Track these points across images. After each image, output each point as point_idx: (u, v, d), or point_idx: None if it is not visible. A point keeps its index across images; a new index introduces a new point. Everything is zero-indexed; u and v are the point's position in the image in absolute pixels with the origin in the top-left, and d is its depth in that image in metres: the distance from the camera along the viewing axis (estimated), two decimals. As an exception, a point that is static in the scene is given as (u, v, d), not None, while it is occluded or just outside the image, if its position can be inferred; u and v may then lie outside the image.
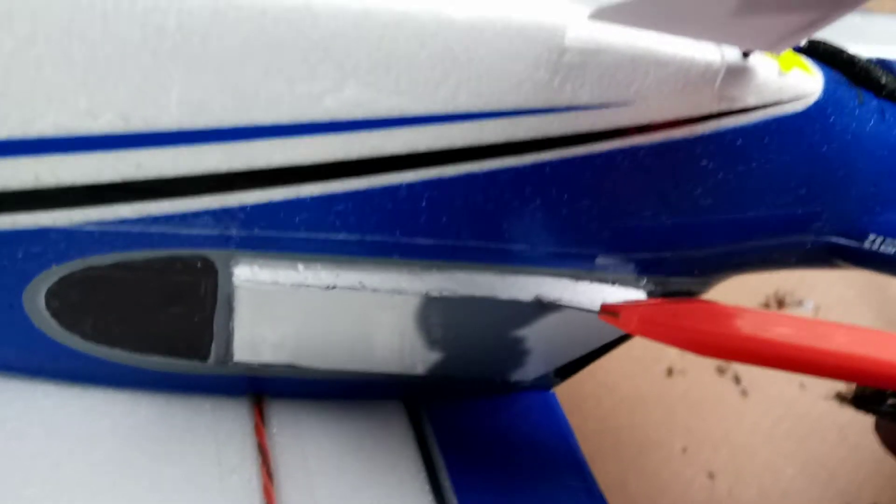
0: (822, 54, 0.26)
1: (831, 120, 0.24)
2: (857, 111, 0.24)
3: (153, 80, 0.17)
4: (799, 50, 0.26)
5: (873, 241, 0.26)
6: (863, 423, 0.48)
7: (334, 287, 0.21)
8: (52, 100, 0.17)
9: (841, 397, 0.42)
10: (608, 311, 0.22)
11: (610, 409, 0.46)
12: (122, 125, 0.18)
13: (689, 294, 0.27)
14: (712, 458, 0.46)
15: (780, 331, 0.21)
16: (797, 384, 0.49)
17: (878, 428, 0.25)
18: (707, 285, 0.27)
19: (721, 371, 0.50)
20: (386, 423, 0.27)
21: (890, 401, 0.22)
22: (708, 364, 0.50)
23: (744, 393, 0.49)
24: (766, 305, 0.54)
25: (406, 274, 0.22)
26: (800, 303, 0.54)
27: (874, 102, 0.25)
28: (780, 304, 0.54)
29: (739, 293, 0.51)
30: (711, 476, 0.45)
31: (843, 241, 0.26)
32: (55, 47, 0.17)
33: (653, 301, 0.24)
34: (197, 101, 0.18)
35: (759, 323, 0.21)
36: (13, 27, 0.16)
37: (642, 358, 0.50)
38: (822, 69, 0.24)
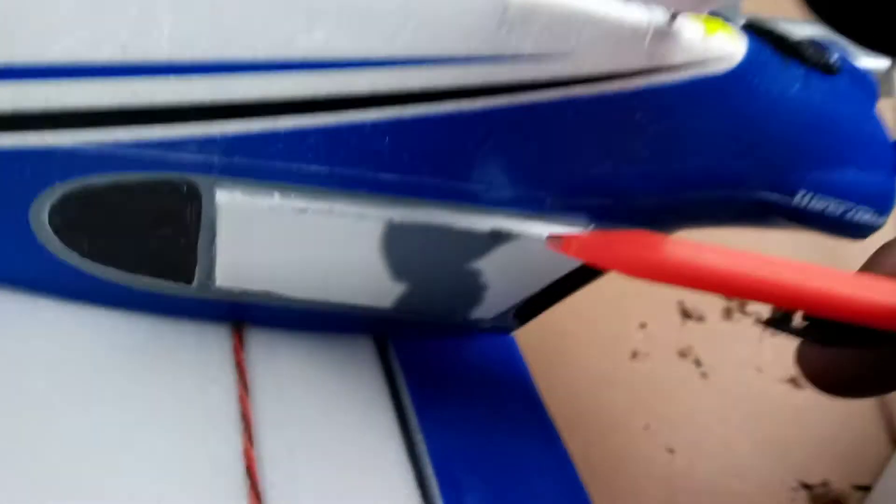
0: (756, 30, 0.29)
1: (755, 81, 0.27)
2: (781, 76, 0.27)
3: (147, 16, 0.20)
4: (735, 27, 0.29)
5: (803, 196, 0.29)
6: (816, 405, 0.50)
7: (306, 210, 0.24)
8: (62, 30, 0.20)
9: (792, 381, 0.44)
10: (553, 238, 0.25)
11: (576, 390, 0.48)
12: (121, 56, 0.21)
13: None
14: (673, 436, 0.47)
15: (706, 257, 0.22)
16: (754, 368, 0.52)
17: (800, 359, 0.27)
18: (651, 237, 0.30)
19: (683, 355, 0.52)
20: (356, 355, 0.29)
21: (796, 321, 0.24)
22: (670, 348, 0.52)
23: (703, 375, 0.51)
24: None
25: (372, 203, 0.25)
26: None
27: (800, 71, 0.28)
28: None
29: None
30: (671, 451, 0.47)
31: (774, 196, 0.29)
32: (66, -18, 0.19)
33: (596, 231, 0.26)
34: (185, 37, 0.21)
35: (690, 250, 0.22)
36: (31, -38, 0.19)
37: (609, 343, 0.52)
38: (751, 38, 0.27)
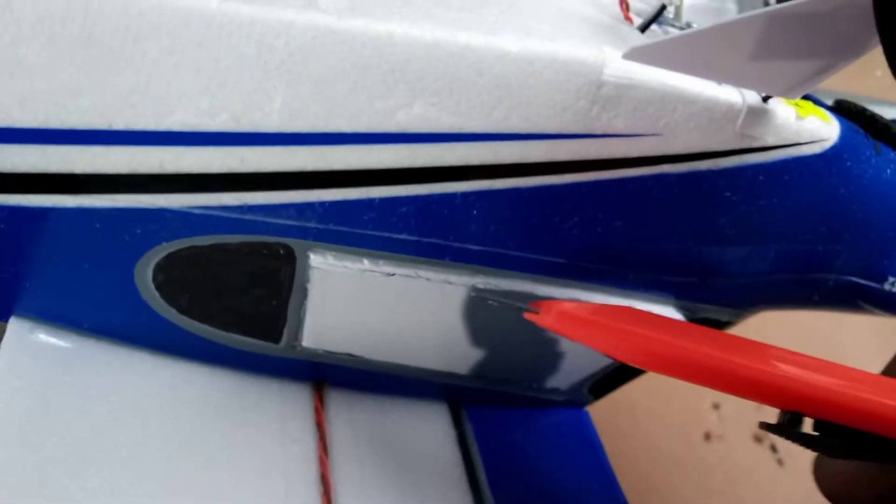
0: (847, 111, 0.29)
1: (848, 164, 0.26)
2: (874, 160, 0.27)
3: (261, 89, 0.22)
4: (826, 108, 0.29)
5: (893, 283, 0.28)
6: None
7: (393, 275, 0.25)
8: (181, 100, 0.21)
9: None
10: (533, 307, 0.23)
11: (646, 470, 0.47)
12: (234, 125, 0.22)
13: (718, 324, 0.30)
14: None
15: (695, 343, 0.20)
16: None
17: (816, 472, 0.24)
18: (736, 316, 0.30)
19: (758, 439, 0.51)
20: (431, 421, 0.30)
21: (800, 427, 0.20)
22: (745, 432, 0.51)
23: (780, 462, 0.50)
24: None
25: (457, 271, 0.25)
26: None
27: (892, 155, 0.28)
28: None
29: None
30: None
31: (863, 281, 0.28)
32: (189, 57, 0.21)
33: (576, 302, 0.24)
34: (294, 109, 0.22)
35: (678, 332, 0.20)
36: (159, 38, 0.21)
37: (681, 422, 0.51)
38: (843, 121, 0.27)
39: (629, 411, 0.50)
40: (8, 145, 0.22)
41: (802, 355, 0.20)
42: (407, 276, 0.25)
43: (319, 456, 0.26)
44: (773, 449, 0.50)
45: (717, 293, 0.28)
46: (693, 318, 0.29)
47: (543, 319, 0.22)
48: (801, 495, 0.48)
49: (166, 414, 0.25)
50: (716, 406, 0.51)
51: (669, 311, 0.28)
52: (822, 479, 0.23)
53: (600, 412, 0.48)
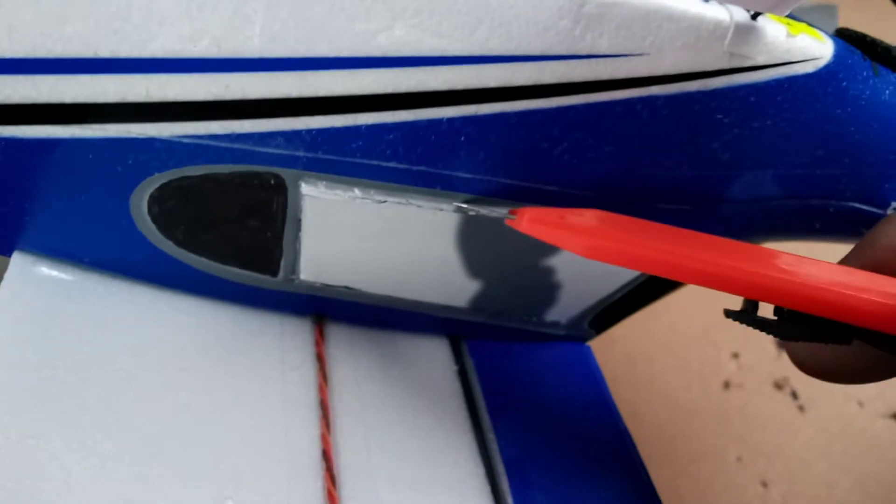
0: (846, 36, 0.28)
1: (843, 84, 0.26)
2: (871, 80, 0.26)
3: (241, 12, 0.22)
4: (823, 32, 0.28)
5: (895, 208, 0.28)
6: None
7: (385, 202, 0.25)
8: (162, 25, 0.22)
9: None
10: (511, 213, 0.24)
11: (666, 419, 0.47)
12: (216, 51, 0.22)
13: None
14: (767, 469, 0.46)
15: (656, 240, 0.20)
16: (855, 402, 0.49)
17: (786, 346, 0.24)
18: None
19: (779, 386, 0.50)
20: (431, 354, 0.30)
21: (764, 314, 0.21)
22: (765, 379, 0.51)
23: (801, 408, 0.49)
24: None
25: (447, 198, 0.25)
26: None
27: (893, 77, 0.27)
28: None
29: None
30: (765, 485, 0.45)
31: (864, 207, 0.28)
32: (168, -19, 0.21)
33: (547, 209, 0.24)
34: (274, 33, 0.22)
35: (644, 231, 0.21)
36: (138, -37, 0.21)
37: (700, 371, 0.51)
38: (838, 42, 0.27)
39: (647, 363, 0.50)
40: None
41: (760, 248, 0.20)
42: (398, 202, 0.25)
43: (319, 383, 0.26)
44: (794, 395, 0.50)
45: (711, 222, 0.28)
46: None
47: (519, 224, 0.23)
48: (822, 441, 0.48)
49: (166, 342, 0.26)
50: (735, 355, 0.51)
51: None
52: (790, 347, 0.23)
53: (618, 365, 0.49)
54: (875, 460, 0.47)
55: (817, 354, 0.22)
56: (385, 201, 0.25)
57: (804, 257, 0.19)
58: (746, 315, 0.20)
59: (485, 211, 0.25)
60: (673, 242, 0.20)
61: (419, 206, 0.25)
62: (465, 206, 0.25)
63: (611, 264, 0.21)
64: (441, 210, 0.25)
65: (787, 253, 0.20)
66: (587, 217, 0.21)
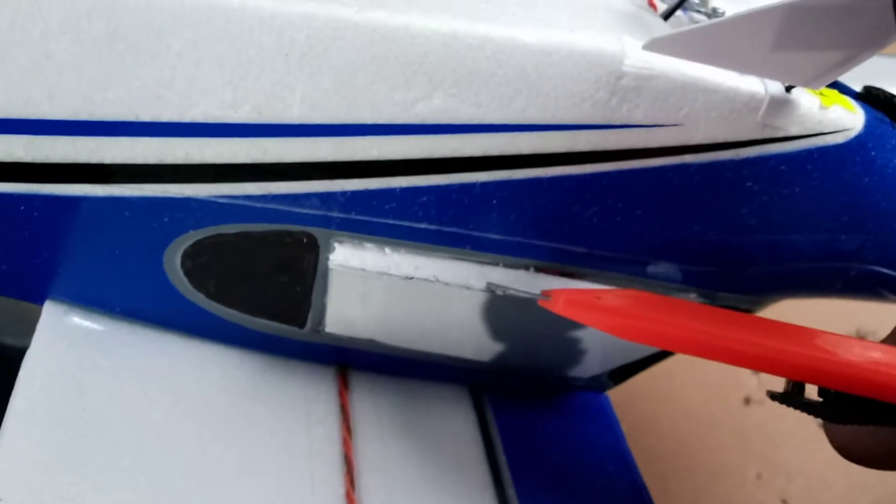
0: (874, 99, 0.28)
1: (872, 154, 0.26)
2: None
3: (283, 82, 0.22)
4: (854, 95, 0.28)
5: None
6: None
7: (412, 278, 0.25)
8: (204, 92, 0.22)
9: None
10: (545, 294, 0.24)
11: (685, 433, 0.47)
12: (257, 117, 0.22)
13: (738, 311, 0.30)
14: (787, 487, 0.45)
15: (693, 321, 0.21)
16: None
17: (826, 427, 0.24)
18: (757, 304, 0.29)
19: None
20: (453, 405, 0.30)
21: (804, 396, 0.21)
22: None
23: (821, 426, 0.50)
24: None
25: (475, 270, 0.26)
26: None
27: None
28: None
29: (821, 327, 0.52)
30: (785, 502, 0.45)
31: (885, 270, 0.28)
32: (212, 50, 0.21)
33: (585, 288, 0.24)
34: (315, 101, 0.22)
35: (679, 311, 0.21)
36: (182, 33, 0.21)
37: (720, 386, 0.50)
38: (868, 110, 0.27)
39: (667, 377, 0.49)
40: (40, 137, 0.22)
41: (801, 328, 0.20)
42: (425, 279, 0.25)
43: (343, 437, 0.27)
44: (814, 413, 0.50)
45: (737, 282, 0.28)
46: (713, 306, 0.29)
47: (554, 305, 0.22)
48: (842, 460, 0.48)
49: (195, 395, 0.26)
50: (756, 371, 0.51)
51: (689, 299, 0.28)
52: (831, 432, 0.24)
53: (638, 379, 0.48)
54: (895, 480, 0.47)
55: (861, 440, 0.22)
56: (412, 278, 0.25)
57: (846, 336, 0.20)
58: (792, 397, 0.21)
59: (515, 291, 0.25)
60: (714, 324, 0.20)
61: (446, 285, 0.25)
62: (495, 284, 0.25)
63: (650, 346, 0.21)
64: (468, 289, 0.25)
65: (828, 332, 0.20)
66: (623, 299, 0.21)
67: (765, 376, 0.51)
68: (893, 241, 0.28)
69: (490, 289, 0.25)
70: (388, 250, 0.25)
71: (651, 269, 0.27)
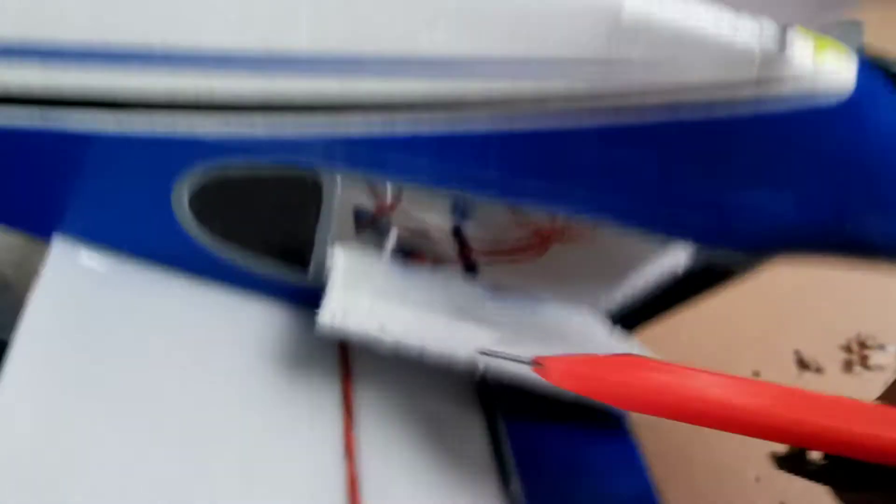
0: (872, 60, 0.29)
1: (865, 113, 0.26)
2: (892, 106, 0.27)
3: (289, 8, 0.22)
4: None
5: None
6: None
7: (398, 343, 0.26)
8: (213, 18, 0.23)
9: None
10: (537, 362, 0.23)
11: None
12: (263, 46, 0.23)
13: (731, 272, 0.30)
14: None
15: (697, 385, 0.21)
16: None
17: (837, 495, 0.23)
18: (749, 263, 0.30)
19: None
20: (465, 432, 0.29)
21: (812, 461, 0.21)
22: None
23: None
24: (848, 348, 0.54)
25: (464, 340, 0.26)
26: (882, 347, 0.54)
27: None
28: (862, 346, 0.54)
29: (821, 336, 0.52)
30: None
31: (875, 230, 0.28)
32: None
33: (578, 356, 0.23)
34: (320, 29, 0.23)
35: (680, 378, 0.21)
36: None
37: (731, 463, 0.50)
38: (864, 69, 0.27)
39: (686, 464, 0.49)
40: (53, 65, 0.23)
41: (796, 390, 0.20)
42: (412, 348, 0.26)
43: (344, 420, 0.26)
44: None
45: (732, 235, 0.28)
46: (707, 264, 0.29)
47: (549, 375, 0.22)
48: None
49: (199, 329, 0.27)
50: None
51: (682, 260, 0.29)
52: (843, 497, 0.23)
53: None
54: None
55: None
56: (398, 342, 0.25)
57: (845, 399, 0.19)
58: (797, 464, 0.21)
59: (505, 361, 0.25)
60: (721, 388, 0.20)
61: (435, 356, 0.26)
62: (487, 353, 0.25)
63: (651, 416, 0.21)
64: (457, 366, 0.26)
65: (829, 396, 0.20)
66: (621, 369, 0.21)
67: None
68: (883, 200, 0.28)
69: (483, 354, 0.25)
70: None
71: (650, 220, 0.28)
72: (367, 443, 0.25)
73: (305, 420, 0.26)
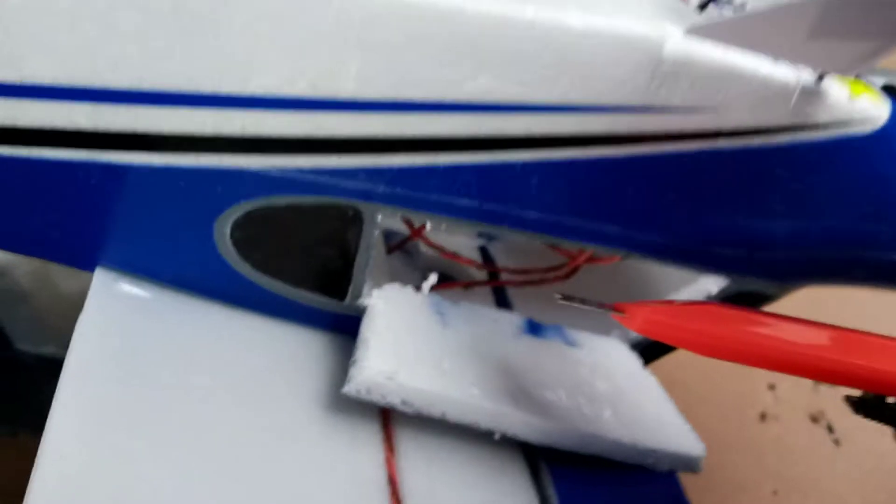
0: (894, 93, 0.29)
1: None
2: None
3: (338, 59, 0.23)
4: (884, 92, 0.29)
5: None
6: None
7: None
8: (263, 66, 0.23)
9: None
10: (619, 309, 0.23)
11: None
12: (311, 92, 0.23)
13: (762, 297, 0.30)
14: (802, 503, 0.46)
15: (772, 332, 0.21)
16: (890, 437, 0.50)
17: None
18: (781, 290, 0.30)
19: (815, 419, 0.50)
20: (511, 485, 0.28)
21: (889, 405, 0.22)
22: (801, 411, 0.51)
23: (836, 442, 0.49)
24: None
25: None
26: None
27: None
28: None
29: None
30: None
31: None
32: (273, 26, 0.22)
33: (659, 301, 0.24)
34: (368, 77, 0.23)
35: (756, 323, 0.21)
36: (245, 8, 0.22)
37: (736, 403, 0.51)
38: (894, 102, 0.28)
39: (683, 391, 0.49)
40: (102, 105, 0.23)
41: (883, 339, 0.21)
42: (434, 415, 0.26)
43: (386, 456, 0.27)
44: (830, 429, 0.50)
45: (763, 266, 0.29)
46: (740, 290, 0.30)
47: (631, 322, 0.22)
48: (858, 475, 0.48)
49: (239, 363, 0.27)
50: (771, 387, 0.51)
51: (717, 282, 0.29)
52: None
53: None
54: None
55: None
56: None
57: None
58: (876, 409, 0.21)
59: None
60: (796, 336, 0.21)
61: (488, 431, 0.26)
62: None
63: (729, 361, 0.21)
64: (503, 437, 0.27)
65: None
66: (703, 314, 0.22)
67: (780, 392, 0.51)
68: None
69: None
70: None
71: (682, 251, 0.28)
72: (408, 478, 0.26)
73: (346, 451, 0.26)
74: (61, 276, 0.41)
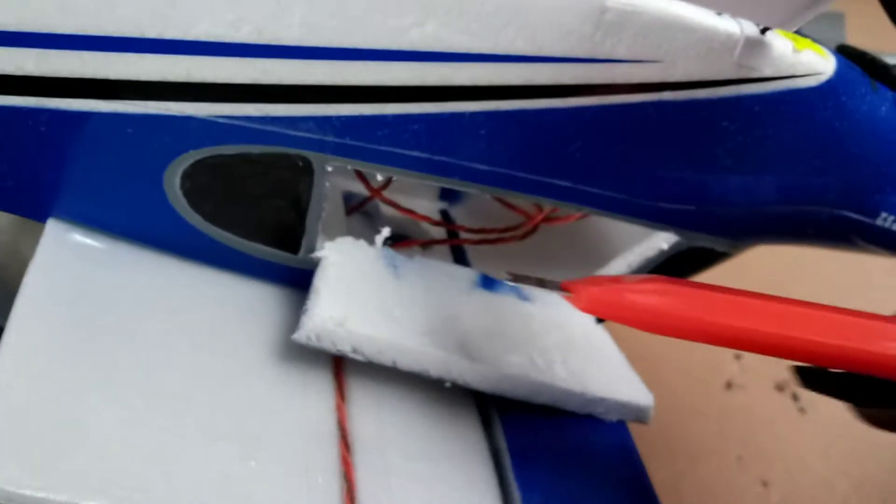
0: (847, 53, 0.29)
1: (843, 99, 0.27)
2: (869, 96, 0.28)
3: (282, 4, 0.23)
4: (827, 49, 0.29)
5: (885, 218, 0.29)
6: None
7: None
8: (207, 12, 0.23)
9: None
10: (565, 288, 0.23)
11: (668, 418, 0.47)
12: (256, 37, 0.24)
13: (715, 255, 0.31)
14: (767, 470, 0.46)
15: (718, 309, 0.21)
16: (855, 406, 0.50)
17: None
18: (732, 248, 0.31)
19: (780, 388, 0.51)
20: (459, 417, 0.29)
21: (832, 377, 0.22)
22: (767, 380, 0.51)
23: (801, 410, 0.50)
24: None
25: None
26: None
27: (889, 94, 0.29)
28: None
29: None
30: (766, 484, 0.45)
31: (855, 216, 0.29)
32: (216, -30, 0.23)
33: (606, 279, 0.23)
34: (313, 23, 0.23)
35: (704, 302, 0.21)
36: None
37: (702, 371, 0.51)
38: (840, 59, 0.28)
39: (651, 361, 0.49)
40: (50, 51, 0.23)
41: (832, 310, 0.21)
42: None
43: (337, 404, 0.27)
44: (795, 398, 0.50)
45: (713, 222, 0.29)
46: (690, 247, 0.30)
47: (577, 302, 0.22)
48: (822, 443, 0.48)
49: (192, 310, 0.27)
50: (737, 356, 0.51)
51: (669, 238, 0.29)
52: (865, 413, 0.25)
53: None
54: (873, 464, 0.48)
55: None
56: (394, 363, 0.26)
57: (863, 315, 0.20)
58: (816, 377, 0.22)
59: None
60: (743, 313, 0.21)
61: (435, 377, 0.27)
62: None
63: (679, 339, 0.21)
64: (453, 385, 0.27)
65: (850, 313, 0.20)
66: (649, 293, 0.22)
67: (746, 362, 0.52)
68: (862, 186, 0.29)
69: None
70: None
71: (631, 204, 0.28)
72: (358, 424, 0.26)
73: (297, 398, 0.26)
74: (32, 249, 0.42)
